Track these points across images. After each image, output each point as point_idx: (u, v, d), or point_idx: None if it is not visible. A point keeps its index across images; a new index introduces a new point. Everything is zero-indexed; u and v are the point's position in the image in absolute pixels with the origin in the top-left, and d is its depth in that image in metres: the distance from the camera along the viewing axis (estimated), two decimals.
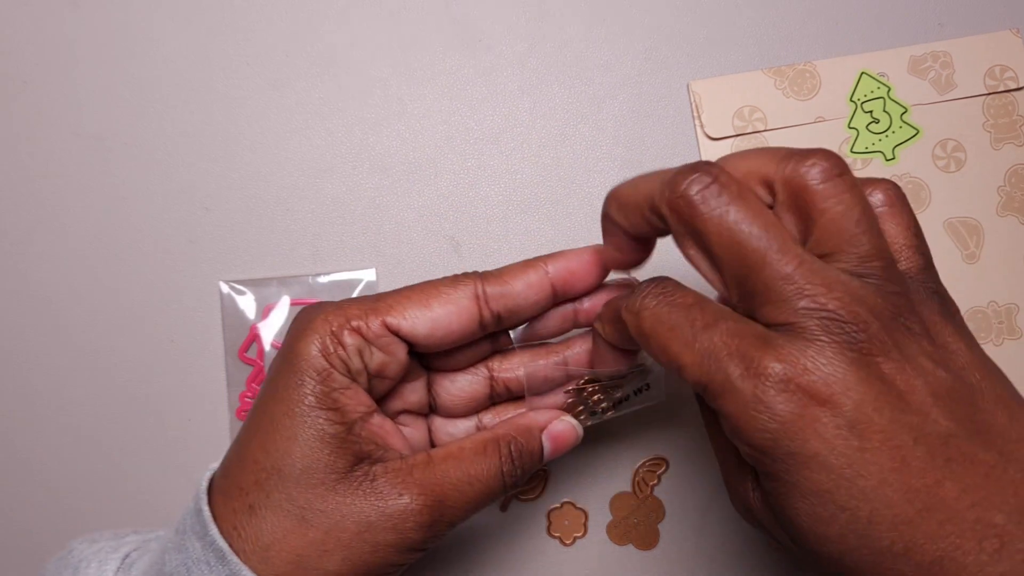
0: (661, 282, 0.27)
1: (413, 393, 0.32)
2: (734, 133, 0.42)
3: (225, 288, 0.41)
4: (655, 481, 0.41)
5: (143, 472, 0.41)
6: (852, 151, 0.42)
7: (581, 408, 0.33)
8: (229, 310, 0.41)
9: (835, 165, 0.25)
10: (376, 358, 0.29)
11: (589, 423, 0.33)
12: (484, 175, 0.43)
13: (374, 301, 0.29)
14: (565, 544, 0.40)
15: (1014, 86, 0.42)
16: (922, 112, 0.42)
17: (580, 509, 0.41)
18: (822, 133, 0.42)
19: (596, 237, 0.42)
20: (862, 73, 0.43)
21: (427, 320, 0.29)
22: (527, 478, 0.32)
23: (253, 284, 0.41)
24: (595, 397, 0.33)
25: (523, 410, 0.33)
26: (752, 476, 0.26)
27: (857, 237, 0.25)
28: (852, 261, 0.25)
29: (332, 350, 0.28)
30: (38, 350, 0.42)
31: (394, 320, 0.29)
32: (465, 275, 0.30)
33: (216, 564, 0.27)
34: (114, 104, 0.43)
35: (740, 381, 0.23)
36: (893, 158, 0.42)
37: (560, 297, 0.31)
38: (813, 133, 0.42)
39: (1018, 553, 0.22)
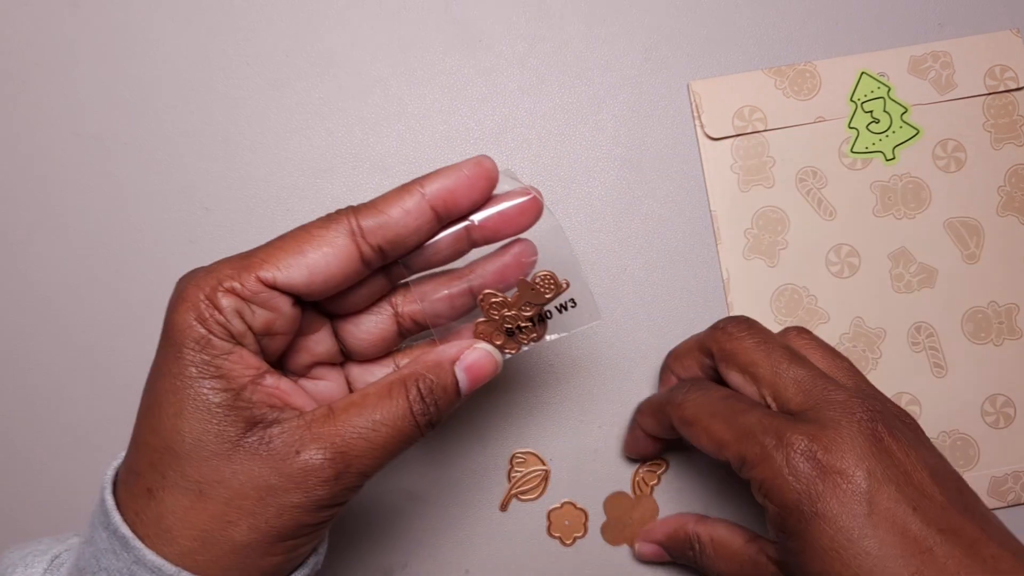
0: (698, 382, 0.35)
1: (319, 344, 0.31)
2: (734, 133, 0.42)
3: None
4: (655, 481, 0.41)
5: None
6: (852, 151, 0.42)
7: (495, 332, 0.31)
8: None
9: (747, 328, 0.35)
10: (259, 316, 0.27)
11: (512, 351, 0.31)
12: None
13: (245, 257, 0.28)
14: (565, 544, 0.40)
15: (1014, 86, 0.42)
16: (922, 112, 0.42)
17: (580, 509, 0.41)
18: (822, 133, 0.42)
19: (597, 237, 0.42)
20: (862, 73, 0.43)
21: (303, 267, 0.27)
22: (447, 417, 0.30)
23: None
24: (503, 311, 0.31)
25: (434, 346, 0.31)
26: (759, 564, 0.32)
27: (837, 359, 0.35)
28: (842, 378, 0.33)
29: (208, 316, 0.26)
30: (38, 350, 0.42)
31: (268, 273, 0.27)
32: (337, 212, 0.29)
33: (121, 551, 0.26)
34: (114, 104, 0.43)
35: (773, 450, 0.30)
36: (893, 158, 0.42)
37: (445, 219, 0.29)
38: (813, 133, 0.42)
39: None
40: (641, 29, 0.43)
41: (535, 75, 0.43)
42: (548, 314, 0.31)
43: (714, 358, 0.35)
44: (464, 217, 0.30)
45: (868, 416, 0.30)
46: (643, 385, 0.41)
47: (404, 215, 0.28)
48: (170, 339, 0.27)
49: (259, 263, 0.27)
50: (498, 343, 0.31)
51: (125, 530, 0.26)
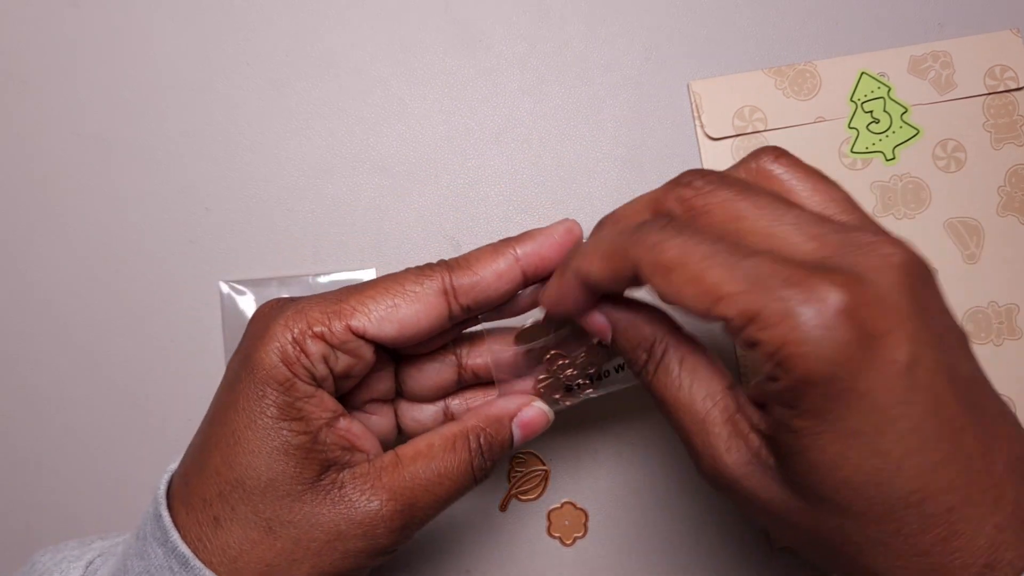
0: (676, 219, 0.25)
1: (380, 382, 0.31)
2: (734, 133, 0.42)
3: (225, 288, 0.41)
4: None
5: (143, 472, 0.41)
6: (852, 151, 0.42)
7: (554, 387, 0.32)
8: (229, 310, 0.41)
9: (775, 148, 0.27)
10: (342, 361, 0.28)
11: (568, 403, 0.32)
12: (484, 175, 0.43)
13: (337, 302, 0.28)
14: (565, 544, 0.40)
15: (1014, 86, 0.42)
16: (922, 112, 0.42)
17: (580, 509, 0.41)
18: (822, 133, 0.42)
19: None
20: (862, 73, 0.43)
21: (395, 322, 0.28)
22: (496, 466, 0.31)
23: (253, 284, 0.41)
24: (567, 372, 0.32)
25: (490, 396, 0.32)
26: (739, 432, 0.25)
27: (832, 188, 0.26)
28: (840, 212, 0.26)
29: (295, 359, 0.27)
30: (38, 350, 0.42)
31: (359, 323, 0.27)
32: (431, 267, 0.29)
33: (179, 570, 0.26)
34: (114, 104, 0.43)
35: (800, 306, 0.22)
36: (893, 158, 0.42)
37: (531, 281, 0.30)
38: (813, 133, 0.42)
39: (1009, 504, 0.23)
40: (641, 29, 0.43)
41: (535, 75, 0.43)
42: (607, 373, 0.32)
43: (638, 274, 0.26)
44: (546, 278, 0.30)
45: (904, 261, 0.23)
46: None
47: (496, 278, 0.29)
48: (252, 375, 0.27)
49: (351, 311, 0.27)
50: (555, 396, 0.32)
51: (185, 549, 0.26)
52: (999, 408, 0.24)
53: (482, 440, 0.29)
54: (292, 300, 0.28)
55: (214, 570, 0.26)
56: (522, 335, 0.31)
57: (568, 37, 0.43)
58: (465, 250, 0.42)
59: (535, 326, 0.31)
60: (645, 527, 0.40)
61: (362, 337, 0.28)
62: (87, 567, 0.30)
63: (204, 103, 0.43)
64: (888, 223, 0.42)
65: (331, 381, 0.28)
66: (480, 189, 0.43)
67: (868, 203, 0.42)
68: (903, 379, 0.22)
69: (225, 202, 0.42)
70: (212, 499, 0.27)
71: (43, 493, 0.41)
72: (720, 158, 0.42)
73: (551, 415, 0.32)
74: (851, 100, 0.42)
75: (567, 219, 0.30)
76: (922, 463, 0.22)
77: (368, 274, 0.42)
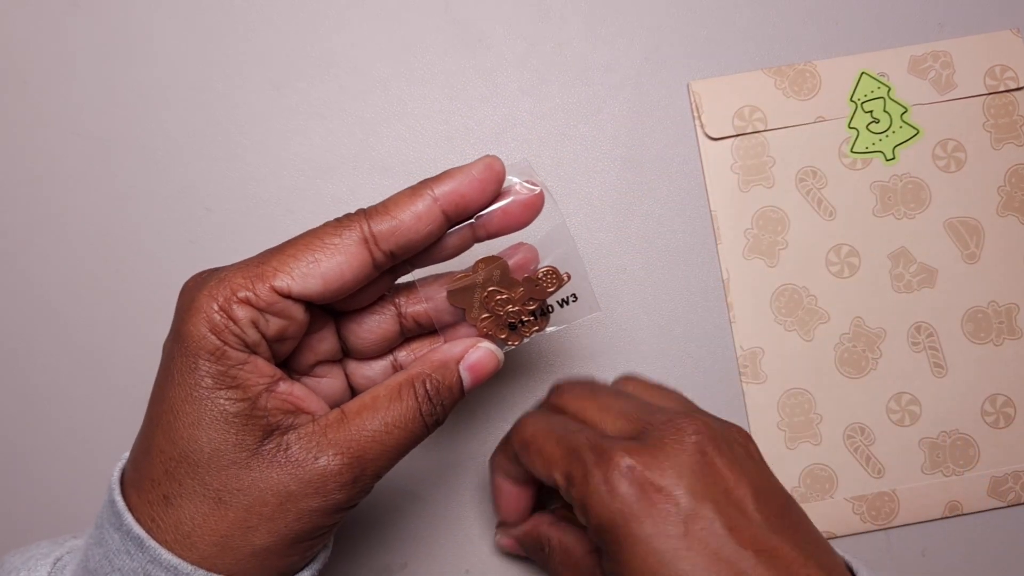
0: (538, 412, 0.34)
1: (322, 343, 0.31)
2: (734, 133, 0.42)
3: None
4: None
5: None
6: (852, 151, 0.42)
7: (498, 326, 0.32)
8: None
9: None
10: (273, 324, 0.27)
11: (516, 343, 0.32)
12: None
13: (258, 265, 0.28)
14: None
15: (1014, 86, 0.42)
16: (922, 112, 0.42)
17: None
18: (822, 133, 0.42)
19: (597, 237, 0.42)
20: (862, 73, 0.43)
21: (317, 276, 0.27)
22: (449, 412, 0.31)
23: None
24: (507, 308, 0.31)
25: (436, 345, 0.32)
26: (604, 563, 0.30)
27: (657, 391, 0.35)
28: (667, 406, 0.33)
29: (223, 327, 0.26)
30: (38, 350, 0.42)
31: (283, 283, 0.27)
32: (348, 217, 0.29)
33: (136, 551, 0.26)
34: (114, 104, 0.43)
35: (594, 467, 0.29)
36: (893, 158, 0.42)
37: (454, 220, 0.29)
38: (813, 133, 0.42)
39: None
40: (641, 29, 0.43)
41: (535, 75, 0.43)
42: (550, 308, 0.32)
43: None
44: (470, 216, 0.30)
45: (693, 432, 0.29)
46: None
47: (416, 220, 0.28)
48: (183, 348, 0.27)
49: (272, 272, 0.27)
50: (501, 337, 0.32)
51: (139, 530, 0.26)
52: (802, 550, 0.28)
53: (428, 386, 0.29)
54: (215, 270, 0.28)
55: (169, 548, 0.26)
56: (453, 288, 0.31)
57: (568, 37, 0.43)
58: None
59: (464, 275, 0.31)
60: None
61: (288, 296, 0.27)
62: (55, 564, 0.30)
63: (204, 103, 0.43)
64: (888, 223, 0.42)
65: (265, 346, 0.28)
66: None
67: (868, 203, 0.42)
68: (679, 527, 0.27)
69: (225, 202, 0.42)
70: (159, 478, 0.27)
71: (42, 493, 0.41)
72: (720, 158, 0.42)
73: (500, 355, 0.32)
74: (851, 100, 0.42)
75: (487, 155, 0.29)
76: None
77: None
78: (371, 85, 0.43)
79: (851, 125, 0.42)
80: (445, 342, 0.32)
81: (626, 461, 0.28)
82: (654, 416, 0.31)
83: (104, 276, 0.42)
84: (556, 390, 0.35)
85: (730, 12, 0.43)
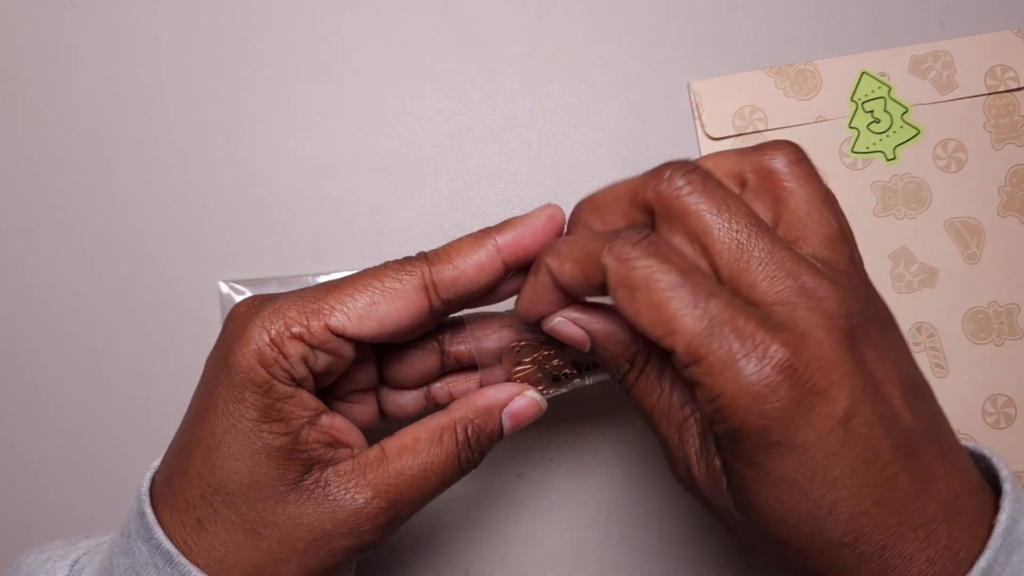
0: (651, 236, 0.25)
1: (363, 374, 0.31)
2: (735, 133, 0.42)
3: (225, 288, 0.41)
4: None
5: (142, 472, 0.41)
6: (853, 151, 0.42)
7: (540, 376, 0.31)
8: (229, 310, 0.41)
9: (796, 151, 0.27)
10: (322, 361, 0.27)
11: (552, 392, 0.31)
12: (484, 175, 0.43)
13: (315, 300, 0.27)
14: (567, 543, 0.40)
15: (1015, 86, 0.42)
16: (923, 112, 0.42)
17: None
18: (823, 133, 0.42)
19: None
20: (863, 73, 0.43)
21: (374, 319, 0.27)
22: (484, 457, 0.30)
23: (253, 284, 0.41)
24: (553, 363, 0.31)
25: (471, 379, 0.32)
26: (706, 449, 0.26)
27: (825, 217, 0.26)
28: (819, 243, 0.26)
29: (273, 360, 0.26)
30: (38, 350, 0.42)
31: (338, 322, 0.27)
32: (410, 262, 0.28)
33: (164, 567, 0.26)
34: (114, 104, 0.43)
35: (743, 359, 0.23)
36: (894, 158, 0.42)
37: (513, 269, 0.29)
38: (814, 133, 0.42)
39: (942, 539, 0.24)
40: (641, 29, 0.43)
41: (535, 75, 0.43)
42: (594, 364, 0.31)
43: (653, 216, 0.26)
44: (529, 265, 0.29)
45: (845, 315, 0.24)
46: None
47: (478, 271, 0.28)
48: (230, 377, 0.26)
49: (329, 310, 0.27)
50: (539, 387, 0.31)
51: (169, 546, 0.26)
52: (940, 448, 0.25)
53: (470, 432, 0.29)
54: (269, 298, 0.28)
55: (201, 569, 0.26)
56: (514, 347, 0.31)
57: (568, 37, 0.43)
58: None
59: (527, 344, 0.31)
60: (645, 526, 0.40)
61: (341, 336, 0.27)
62: (72, 566, 0.30)
63: (204, 103, 0.43)
64: (888, 223, 0.42)
65: (311, 380, 0.27)
66: (480, 189, 0.43)
67: (868, 203, 0.42)
68: (838, 433, 0.23)
69: (225, 202, 0.42)
70: (195, 502, 0.27)
71: (42, 492, 0.41)
72: None
73: (543, 404, 0.31)
74: (852, 100, 0.42)
75: (549, 205, 0.29)
76: (854, 509, 0.23)
77: None
78: (371, 85, 0.43)
79: (852, 125, 0.42)
80: (482, 382, 0.31)
81: (780, 354, 0.23)
82: (803, 280, 0.24)
83: (104, 276, 0.42)
84: (667, 184, 0.26)
85: (730, 12, 0.43)
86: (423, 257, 0.28)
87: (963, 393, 0.41)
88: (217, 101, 0.43)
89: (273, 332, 0.26)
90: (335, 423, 0.28)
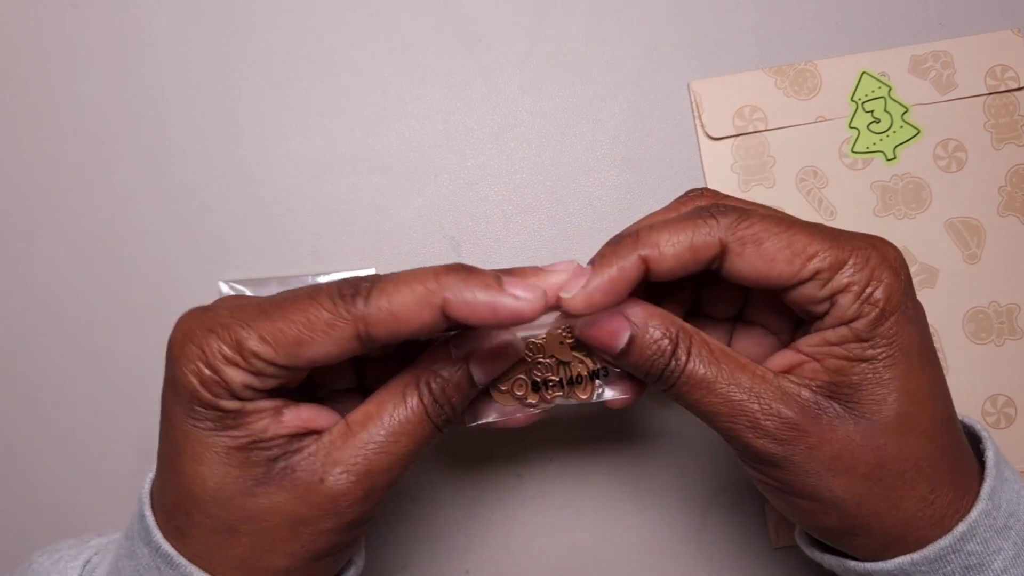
0: (738, 203, 0.30)
1: (338, 378, 0.30)
2: (735, 133, 0.42)
3: (225, 288, 0.41)
4: None
5: (143, 472, 0.41)
6: (853, 151, 0.42)
7: (525, 384, 0.30)
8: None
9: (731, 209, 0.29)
10: (268, 382, 0.26)
11: (538, 407, 0.30)
12: (484, 175, 0.43)
13: (245, 326, 0.26)
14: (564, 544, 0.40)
15: (1015, 86, 0.42)
16: (923, 112, 0.42)
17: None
18: (823, 133, 0.42)
19: (595, 237, 0.42)
20: (863, 73, 0.43)
21: (305, 360, 0.26)
22: (462, 409, 0.29)
23: (253, 284, 0.41)
24: (545, 375, 0.29)
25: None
26: (786, 395, 0.28)
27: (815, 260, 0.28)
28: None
29: (214, 383, 0.26)
30: (38, 350, 0.42)
31: (267, 354, 0.26)
32: (345, 301, 0.26)
33: (166, 569, 0.26)
34: (114, 104, 0.43)
35: (879, 252, 0.28)
36: (894, 158, 0.42)
37: (455, 324, 0.26)
38: (814, 133, 0.42)
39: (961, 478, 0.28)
40: (641, 29, 0.43)
41: (535, 74, 0.43)
42: (577, 377, 0.30)
43: (722, 252, 0.28)
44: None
45: (899, 262, 0.28)
46: None
47: (418, 327, 0.25)
48: (178, 395, 0.26)
49: (257, 343, 0.25)
50: (519, 393, 0.30)
51: (168, 548, 0.26)
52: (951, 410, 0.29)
53: (433, 385, 0.27)
54: (205, 313, 0.27)
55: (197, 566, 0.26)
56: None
57: (568, 37, 0.43)
58: (465, 250, 0.42)
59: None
60: (645, 526, 0.40)
61: (274, 365, 0.26)
62: (84, 566, 0.30)
63: (204, 103, 0.43)
64: (889, 223, 0.42)
65: (263, 391, 0.27)
66: (480, 189, 0.43)
67: (868, 203, 0.42)
68: (924, 321, 0.28)
69: (225, 202, 0.42)
70: (171, 511, 0.27)
71: (42, 492, 0.41)
72: (721, 158, 0.42)
73: (519, 343, 0.29)
74: (852, 100, 0.42)
75: (523, 292, 0.25)
76: (947, 392, 0.29)
77: (368, 273, 0.41)
78: (371, 85, 0.43)
79: (852, 125, 0.42)
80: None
81: (895, 250, 0.28)
82: (854, 237, 0.28)
83: (104, 276, 0.42)
84: (725, 216, 0.28)
85: (730, 12, 0.43)
86: (364, 292, 0.26)
87: (963, 393, 0.41)
88: (217, 101, 0.43)
89: (208, 357, 0.26)
90: (302, 413, 0.28)
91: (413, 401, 0.27)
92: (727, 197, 0.31)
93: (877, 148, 0.42)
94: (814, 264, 0.27)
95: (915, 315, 0.28)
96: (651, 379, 0.28)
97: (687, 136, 0.43)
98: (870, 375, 0.27)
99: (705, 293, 0.32)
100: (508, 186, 0.43)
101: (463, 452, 0.41)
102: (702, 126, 0.42)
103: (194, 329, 0.26)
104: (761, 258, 0.27)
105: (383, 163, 0.43)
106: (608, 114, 0.43)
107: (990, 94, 0.42)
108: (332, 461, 0.26)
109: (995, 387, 0.41)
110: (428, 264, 0.41)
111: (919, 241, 0.42)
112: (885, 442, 0.27)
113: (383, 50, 0.43)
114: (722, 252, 0.28)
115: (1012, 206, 0.42)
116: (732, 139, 0.42)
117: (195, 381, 0.26)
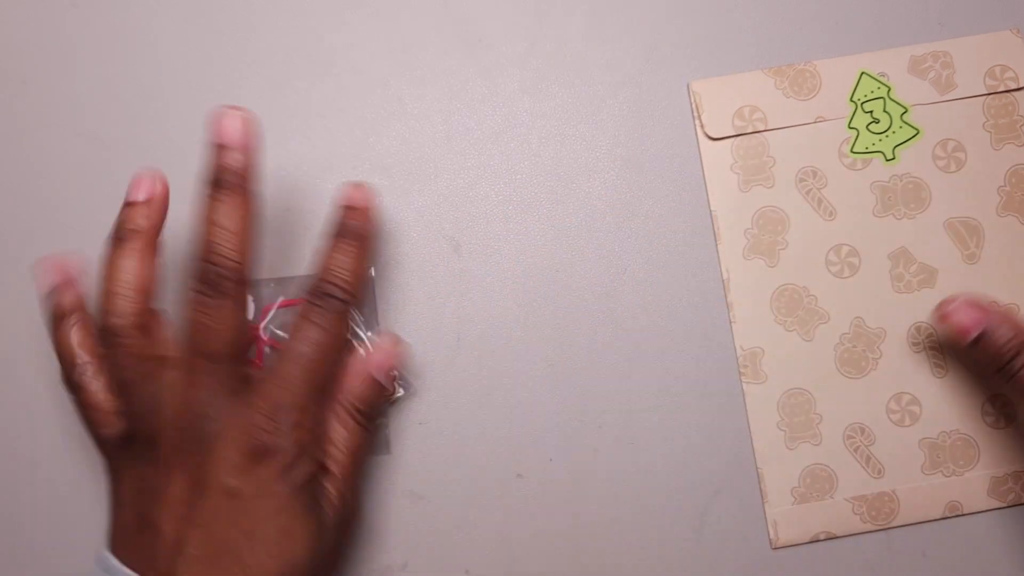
0: None
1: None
2: (734, 133, 0.42)
3: None
4: None
5: None
6: (852, 151, 0.42)
7: None
8: None
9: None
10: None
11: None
12: (484, 175, 0.43)
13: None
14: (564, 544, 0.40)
15: (1014, 86, 0.42)
16: (922, 112, 0.42)
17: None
18: (822, 133, 0.42)
19: (595, 236, 0.42)
20: (862, 73, 0.43)
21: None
22: (381, 408, 0.37)
23: (252, 284, 0.41)
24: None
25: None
26: None
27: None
28: None
29: None
30: (38, 350, 0.42)
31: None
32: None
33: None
34: (114, 104, 0.43)
35: None
36: (893, 158, 0.42)
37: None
38: (813, 133, 0.42)
39: None
40: (641, 29, 0.43)
41: (535, 75, 0.43)
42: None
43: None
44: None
45: None
46: (643, 385, 0.41)
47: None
48: None
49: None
50: None
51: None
52: None
53: (359, 405, 0.35)
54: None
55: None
56: None
57: (568, 37, 0.43)
58: (465, 250, 0.42)
59: None
60: (645, 527, 0.40)
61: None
62: None
63: (204, 103, 0.43)
64: (888, 223, 0.42)
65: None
66: (480, 189, 0.43)
67: (868, 203, 0.42)
68: None
69: None
70: None
71: (41, 494, 0.41)
72: (720, 158, 0.42)
73: (399, 344, 0.37)
74: (851, 100, 0.42)
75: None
76: None
77: (367, 273, 0.42)
78: (371, 85, 0.43)
79: (851, 125, 0.42)
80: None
81: None
82: None
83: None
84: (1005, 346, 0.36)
85: (730, 12, 0.43)
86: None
87: (963, 393, 0.41)
88: (217, 101, 0.43)
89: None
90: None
91: (353, 426, 0.36)
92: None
93: (876, 148, 0.42)
94: None
95: None
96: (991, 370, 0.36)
97: (687, 136, 0.43)
98: None
99: None
100: (508, 186, 0.43)
101: (462, 450, 0.41)
102: (702, 126, 0.42)
103: None
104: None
105: (383, 163, 0.43)
106: (608, 114, 0.43)
107: (989, 94, 0.42)
108: (337, 504, 0.35)
109: (995, 387, 0.41)
110: (429, 263, 0.41)
111: (918, 241, 0.42)
112: None
113: (383, 50, 0.43)
114: None
115: (1011, 206, 0.42)
116: (732, 139, 0.42)
117: None
